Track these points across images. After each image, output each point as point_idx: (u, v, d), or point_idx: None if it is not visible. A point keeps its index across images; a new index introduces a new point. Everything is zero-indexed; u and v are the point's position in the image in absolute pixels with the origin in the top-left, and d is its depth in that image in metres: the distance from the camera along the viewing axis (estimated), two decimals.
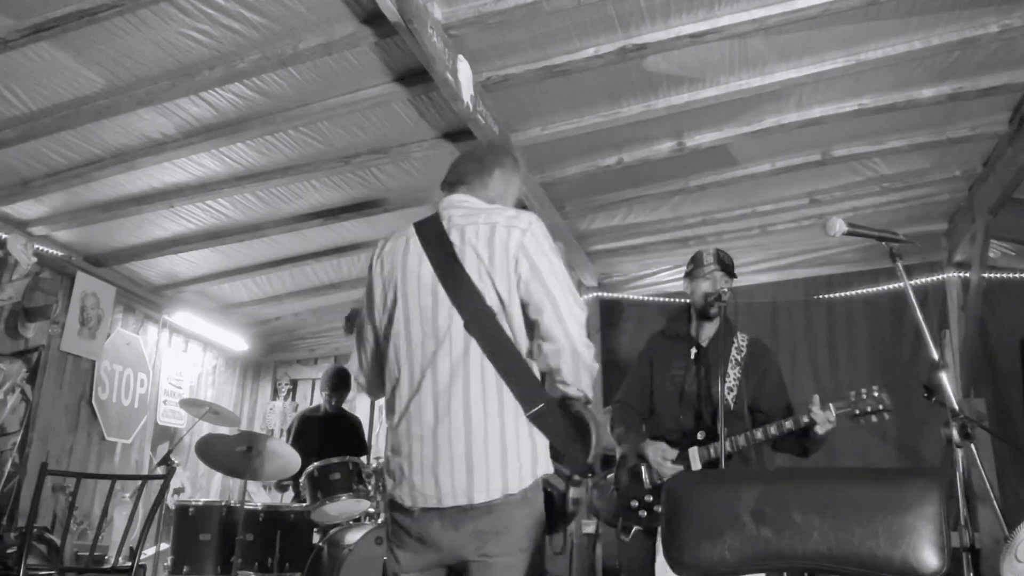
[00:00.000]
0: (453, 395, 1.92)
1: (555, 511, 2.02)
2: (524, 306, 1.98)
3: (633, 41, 3.28)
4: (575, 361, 1.96)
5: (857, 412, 2.89)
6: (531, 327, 2.00)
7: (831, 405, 2.89)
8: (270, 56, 3.22)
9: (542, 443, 1.96)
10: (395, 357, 2.05)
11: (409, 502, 1.96)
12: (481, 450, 1.88)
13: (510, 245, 1.97)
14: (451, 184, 2.21)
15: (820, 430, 2.86)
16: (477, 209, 2.09)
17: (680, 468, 2.99)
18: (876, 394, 2.89)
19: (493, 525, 1.88)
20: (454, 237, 2.02)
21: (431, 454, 1.92)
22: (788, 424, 2.90)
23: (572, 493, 2.06)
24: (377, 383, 2.22)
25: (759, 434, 2.92)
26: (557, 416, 1.97)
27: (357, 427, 5.36)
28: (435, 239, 2.05)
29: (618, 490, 3.12)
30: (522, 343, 1.98)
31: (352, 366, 2.29)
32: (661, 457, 3.01)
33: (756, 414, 3.05)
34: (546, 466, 1.96)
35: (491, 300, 1.96)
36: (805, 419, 2.87)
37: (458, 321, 1.96)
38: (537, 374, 2.02)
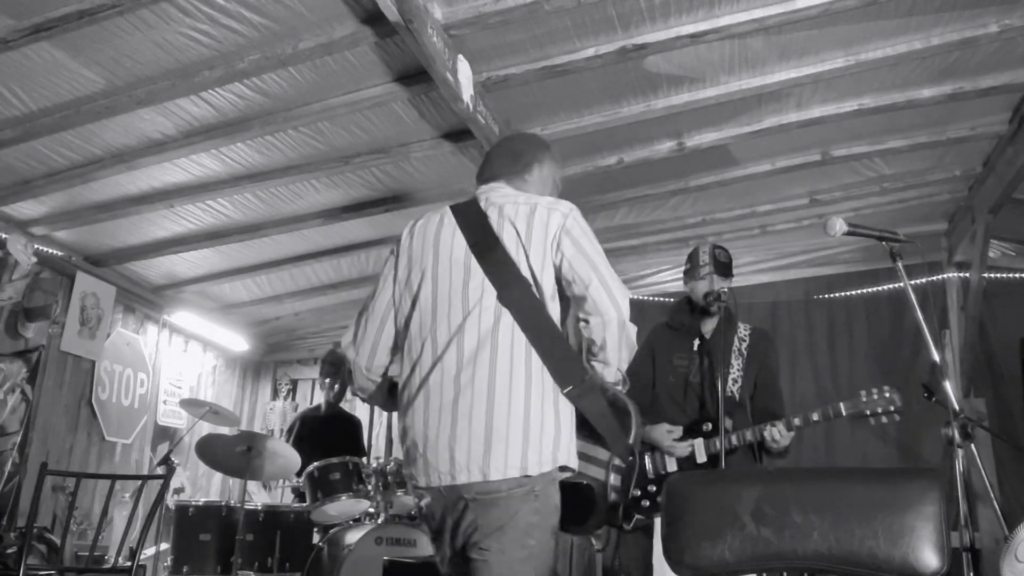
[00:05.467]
0: (478, 365, 1.84)
1: (595, 502, 1.92)
2: (568, 283, 1.93)
3: (633, 41, 3.28)
4: (622, 334, 1.90)
5: (868, 412, 2.86)
6: (572, 305, 1.95)
7: (841, 405, 2.89)
8: (270, 56, 3.22)
9: (568, 430, 1.87)
10: (418, 333, 1.99)
11: (423, 480, 1.88)
12: (503, 422, 1.79)
13: (550, 225, 1.95)
14: (487, 180, 2.18)
15: (773, 446, 2.87)
16: (512, 194, 2.08)
17: (689, 443, 3.00)
18: (887, 395, 2.86)
19: (494, 519, 1.79)
20: (492, 213, 2.00)
21: (448, 427, 1.83)
22: (748, 435, 2.93)
23: (612, 480, 1.96)
24: (369, 360, 2.13)
25: (748, 435, 2.93)
26: (598, 395, 1.90)
27: (357, 427, 5.36)
28: (472, 216, 2.03)
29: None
30: (557, 320, 1.92)
31: (345, 339, 2.18)
32: (667, 439, 3.01)
33: (752, 401, 3.08)
34: (569, 455, 1.86)
35: (525, 273, 1.92)
36: (750, 436, 2.90)
37: (491, 292, 1.90)
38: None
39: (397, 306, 2.08)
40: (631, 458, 1.96)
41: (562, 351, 1.88)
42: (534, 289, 1.90)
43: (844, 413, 2.87)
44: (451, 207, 2.10)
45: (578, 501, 1.93)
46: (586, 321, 1.93)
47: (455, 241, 2.00)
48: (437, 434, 1.85)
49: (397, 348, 2.10)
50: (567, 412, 1.89)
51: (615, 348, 1.91)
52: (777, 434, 2.85)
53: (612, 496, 1.96)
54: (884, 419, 2.86)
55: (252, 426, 6.83)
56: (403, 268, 2.09)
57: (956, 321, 5.02)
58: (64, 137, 3.78)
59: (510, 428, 1.79)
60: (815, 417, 2.88)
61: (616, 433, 1.91)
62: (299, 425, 5.28)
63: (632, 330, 1.95)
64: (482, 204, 2.04)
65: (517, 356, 1.85)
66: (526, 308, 1.89)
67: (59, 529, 4.44)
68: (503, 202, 2.01)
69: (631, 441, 1.91)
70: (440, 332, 1.93)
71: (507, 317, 1.87)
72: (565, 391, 1.85)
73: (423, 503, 1.94)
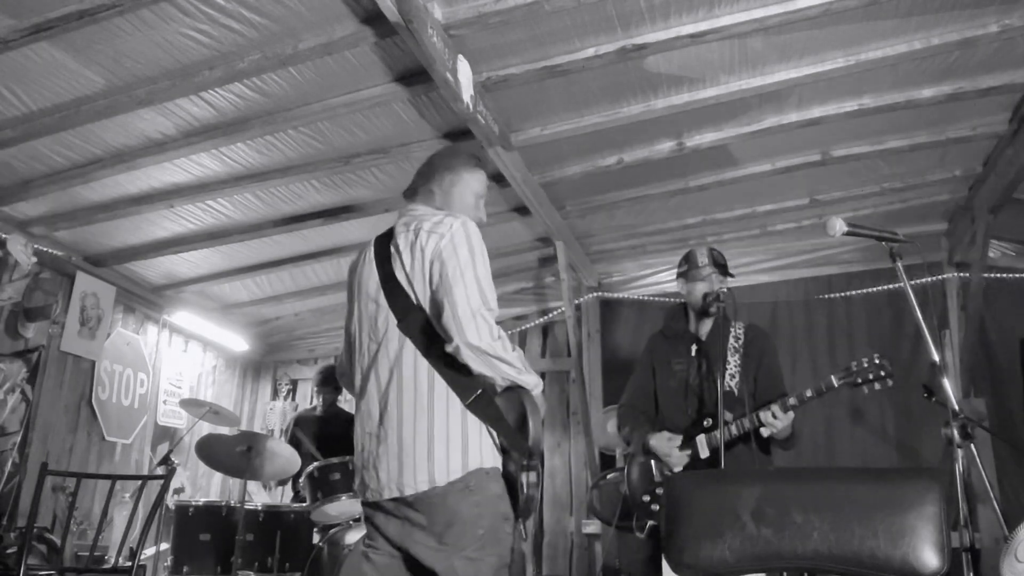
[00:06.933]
0: (390, 392, 2.04)
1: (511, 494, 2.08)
2: None
3: (633, 41, 3.28)
4: (477, 355, 1.99)
5: (859, 381, 2.88)
6: None
7: (833, 377, 2.90)
8: (270, 56, 3.22)
9: (477, 435, 2.02)
10: (354, 362, 2.22)
11: (362, 497, 2.10)
12: (410, 443, 1.99)
13: (427, 251, 2.08)
14: (407, 194, 2.35)
15: (764, 432, 2.87)
16: (415, 216, 2.21)
17: (688, 452, 3.01)
18: (877, 361, 2.88)
19: (440, 517, 1.96)
20: (392, 246, 2.17)
21: (374, 450, 2.04)
22: (747, 423, 2.94)
23: (525, 479, 2.12)
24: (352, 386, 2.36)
25: (747, 423, 2.94)
26: (493, 404, 2.05)
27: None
28: (382, 250, 2.20)
29: (629, 487, 3.14)
30: None
31: (338, 373, 2.51)
32: (667, 446, 3.02)
33: (755, 398, 3.08)
34: (482, 458, 2.01)
35: (415, 301, 2.08)
36: (747, 424, 2.93)
37: (393, 322, 2.09)
38: None
39: (348, 340, 2.32)
40: (533, 457, 2.13)
41: (454, 369, 2.03)
42: (425, 315, 2.07)
43: (836, 385, 2.89)
44: (375, 240, 2.28)
45: None
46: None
47: (370, 277, 2.20)
48: (368, 457, 2.07)
49: None
50: (476, 421, 2.04)
51: (479, 366, 2.01)
52: (771, 416, 2.86)
53: (524, 492, 2.11)
54: (877, 385, 2.87)
55: (252, 426, 6.82)
56: (348, 306, 2.33)
57: (956, 321, 5.02)
58: (64, 137, 3.78)
59: (416, 448, 1.99)
60: (809, 394, 2.90)
61: (514, 436, 2.07)
62: (296, 426, 5.28)
63: (488, 347, 1.98)
64: (392, 234, 2.21)
65: (420, 380, 2.04)
66: (420, 334, 2.06)
67: (59, 529, 4.44)
68: (400, 231, 2.17)
69: (530, 442, 2.07)
70: (364, 363, 2.16)
71: (408, 344, 2.06)
72: (465, 404, 2.02)
73: (367, 512, 2.14)
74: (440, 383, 2.02)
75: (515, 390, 2.10)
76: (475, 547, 1.94)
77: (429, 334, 2.05)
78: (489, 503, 2.00)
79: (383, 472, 2.01)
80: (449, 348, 2.00)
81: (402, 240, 2.14)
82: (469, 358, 1.99)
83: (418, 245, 2.09)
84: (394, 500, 2.01)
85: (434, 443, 1.98)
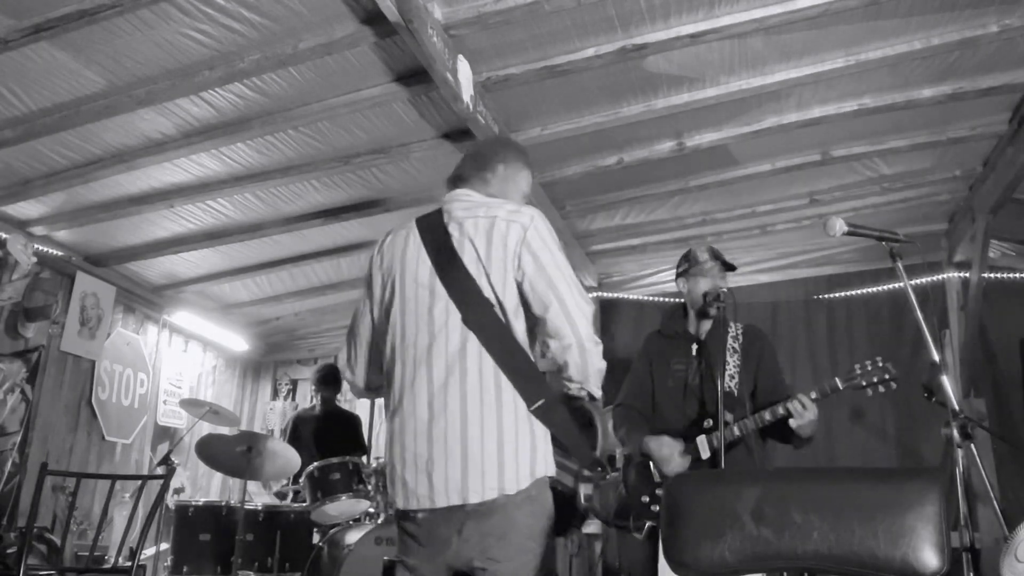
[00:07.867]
0: (449, 391, 1.86)
1: (565, 510, 1.96)
2: (528, 303, 1.93)
3: (633, 41, 3.28)
4: (583, 358, 1.91)
5: (864, 384, 2.88)
6: (534, 324, 1.96)
7: (837, 380, 2.90)
8: (270, 56, 3.22)
9: (543, 441, 1.90)
10: (391, 353, 2.01)
11: (402, 503, 1.91)
12: (477, 448, 1.82)
13: (509, 239, 1.93)
14: (454, 180, 2.17)
15: (793, 423, 2.87)
16: (478, 203, 2.04)
17: (688, 459, 3.00)
18: (881, 364, 2.88)
19: (494, 527, 1.82)
20: (453, 230, 1.99)
21: (425, 452, 1.86)
22: (767, 415, 2.93)
23: (582, 490, 2.02)
24: (366, 378, 2.20)
25: (750, 423, 2.94)
26: (562, 410, 1.91)
27: (356, 425, 5.36)
28: (435, 233, 2.02)
29: (627, 488, 3.13)
30: (521, 338, 1.93)
31: (340, 360, 2.26)
32: (667, 451, 3.01)
33: (754, 398, 3.08)
34: (547, 466, 1.90)
35: (488, 294, 1.92)
36: (780, 410, 2.90)
37: (456, 315, 1.91)
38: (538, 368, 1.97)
39: (377, 327, 2.11)
40: (599, 469, 2.01)
41: (526, 370, 1.90)
42: (497, 310, 1.91)
43: (841, 387, 2.89)
44: (417, 221, 2.09)
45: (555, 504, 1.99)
46: (546, 343, 1.95)
47: (420, 262, 2.00)
48: (414, 458, 1.88)
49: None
50: (542, 426, 1.92)
51: (577, 369, 1.93)
52: (800, 406, 2.84)
53: (582, 504, 2.04)
54: (881, 388, 2.87)
55: (252, 426, 6.83)
56: (377, 288, 2.12)
57: (956, 321, 5.02)
58: (64, 137, 3.78)
59: (484, 453, 1.82)
60: (813, 395, 2.89)
61: (581, 446, 1.94)
62: (295, 426, 5.28)
63: (593, 352, 1.93)
64: (445, 218, 2.03)
65: (486, 379, 1.87)
66: (491, 330, 1.90)
67: (59, 529, 4.44)
68: (464, 216, 2.00)
69: (597, 453, 1.95)
70: (410, 357, 1.94)
71: (473, 340, 1.88)
72: (531, 409, 1.88)
73: (405, 525, 1.96)
74: (507, 384, 1.87)
75: (578, 399, 1.97)
76: (523, 563, 1.83)
77: (497, 331, 1.90)
78: (543, 514, 1.88)
79: (439, 476, 1.83)
80: (557, 345, 1.90)
81: (470, 225, 1.96)
82: (574, 360, 1.90)
83: (496, 233, 1.93)
84: (446, 509, 1.84)
85: (504, 449, 1.83)
